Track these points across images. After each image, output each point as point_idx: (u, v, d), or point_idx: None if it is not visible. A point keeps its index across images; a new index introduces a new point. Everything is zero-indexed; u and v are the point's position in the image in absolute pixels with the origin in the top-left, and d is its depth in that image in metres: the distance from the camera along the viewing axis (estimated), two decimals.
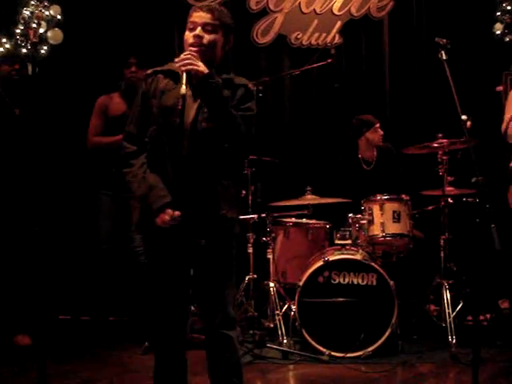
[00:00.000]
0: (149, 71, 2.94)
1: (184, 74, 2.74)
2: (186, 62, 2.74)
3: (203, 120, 2.78)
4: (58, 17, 5.38)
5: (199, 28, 2.82)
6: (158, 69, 2.93)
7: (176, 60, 2.78)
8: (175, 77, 2.84)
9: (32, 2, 5.28)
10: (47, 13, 5.33)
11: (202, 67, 2.74)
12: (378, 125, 5.38)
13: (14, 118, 4.74)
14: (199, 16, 2.84)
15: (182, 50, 2.85)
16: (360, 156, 5.46)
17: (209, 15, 2.83)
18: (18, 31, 5.24)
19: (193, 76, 2.77)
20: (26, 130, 4.68)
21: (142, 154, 2.86)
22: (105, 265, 4.91)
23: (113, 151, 4.64)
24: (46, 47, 5.33)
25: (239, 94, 2.84)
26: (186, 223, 2.78)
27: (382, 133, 5.39)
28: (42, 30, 5.28)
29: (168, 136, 2.78)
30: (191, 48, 2.81)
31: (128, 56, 4.89)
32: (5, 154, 4.66)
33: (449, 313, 4.50)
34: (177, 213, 2.74)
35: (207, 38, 2.82)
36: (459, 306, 4.69)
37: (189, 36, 2.84)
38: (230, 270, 2.90)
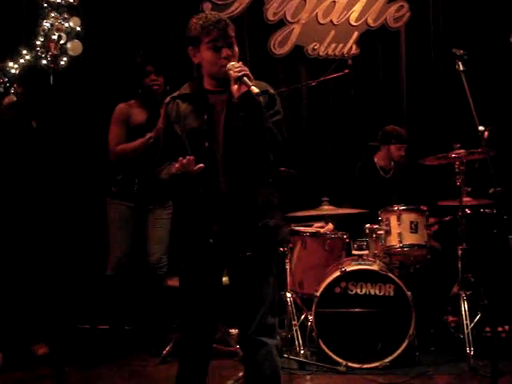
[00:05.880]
0: (167, 99, 2.95)
1: (245, 78, 2.69)
2: (242, 68, 2.70)
3: (234, 135, 2.76)
4: (78, 28, 5.43)
5: (225, 48, 2.76)
6: (176, 94, 2.93)
7: (228, 66, 2.73)
8: (192, 100, 2.87)
9: (52, 14, 5.34)
10: (67, 25, 5.38)
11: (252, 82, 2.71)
12: (405, 145, 5.38)
13: (31, 130, 4.78)
14: (220, 34, 2.75)
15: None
16: (377, 163, 5.46)
17: (228, 29, 2.77)
18: (38, 43, 5.31)
19: (235, 90, 2.72)
20: (43, 143, 4.72)
21: None
22: (121, 275, 4.91)
23: (139, 157, 4.64)
24: (65, 59, 5.38)
25: (264, 102, 2.80)
26: (226, 237, 2.80)
27: (403, 154, 5.39)
28: (61, 42, 5.34)
29: (198, 157, 2.74)
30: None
31: (144, 65, 4.81)
32: (21, 166, 4.70)
33: (467, 324, 4.45)
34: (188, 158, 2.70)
35: (235, 53, 2.80)
36: (477, 318, 4.67)
37: (216, 57, 2.77)
38: (269, 277, 2.87)
